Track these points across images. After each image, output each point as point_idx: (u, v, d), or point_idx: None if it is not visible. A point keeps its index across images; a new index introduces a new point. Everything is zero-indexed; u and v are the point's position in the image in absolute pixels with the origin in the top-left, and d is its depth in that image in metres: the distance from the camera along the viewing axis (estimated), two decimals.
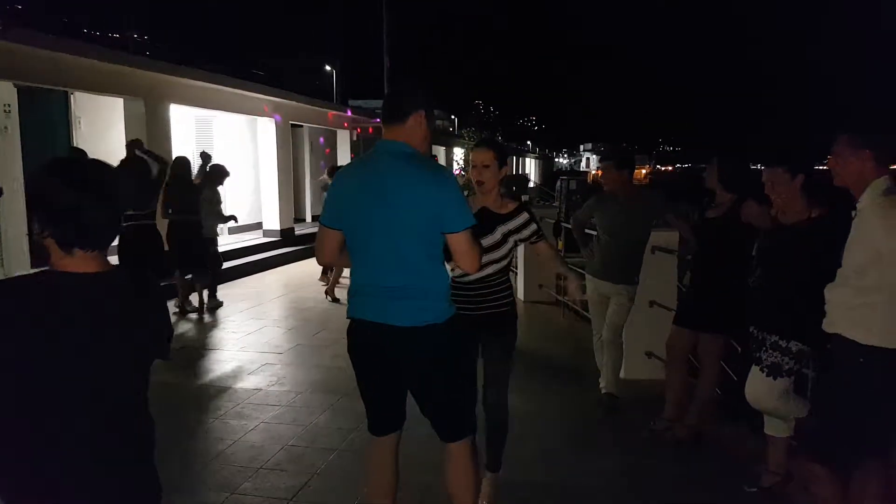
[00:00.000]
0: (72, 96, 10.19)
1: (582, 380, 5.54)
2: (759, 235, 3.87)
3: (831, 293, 3.05)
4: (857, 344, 2.88)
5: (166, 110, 10.50)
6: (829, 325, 3.05)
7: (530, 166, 64.67)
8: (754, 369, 3.62)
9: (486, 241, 3.27)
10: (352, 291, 2.84)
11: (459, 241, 2.69)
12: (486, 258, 3.15)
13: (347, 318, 2.85)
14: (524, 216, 3.45)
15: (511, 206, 3.48)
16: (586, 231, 5.34)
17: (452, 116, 32.08)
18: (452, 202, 2.67)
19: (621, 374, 5.18)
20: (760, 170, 3.73)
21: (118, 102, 10.11)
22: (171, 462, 4.14)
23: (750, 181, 4.35)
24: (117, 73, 9.52)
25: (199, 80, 11.34)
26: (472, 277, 3.28)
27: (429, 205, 2.64)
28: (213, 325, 7.99)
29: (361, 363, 2.87)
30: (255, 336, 7.30)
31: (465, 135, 23.52)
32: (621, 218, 4.87)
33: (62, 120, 10.25)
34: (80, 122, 10.39)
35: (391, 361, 2.79)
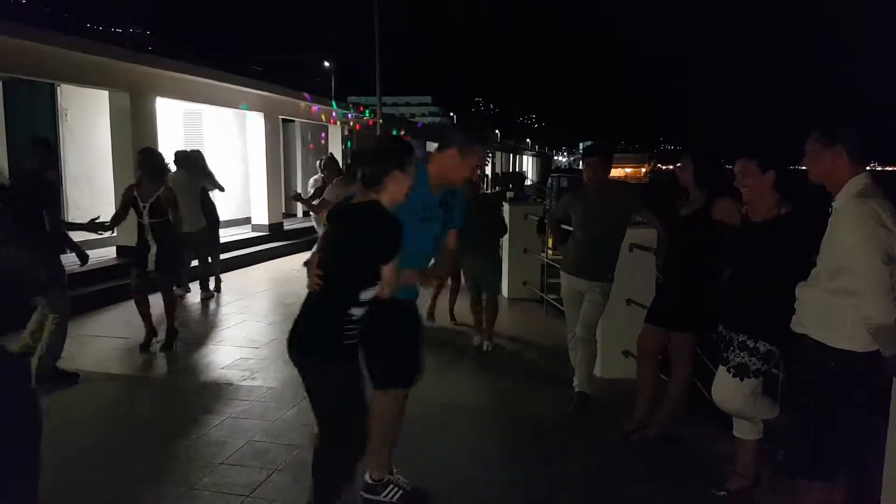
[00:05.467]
0: (58, 88, 10.11)
1: (556, 378, 5.44)
2: (729, 233, 3.80)
3: (802, 292, 2.99)
4: (825, 346, 2.83)
5: (152, 103, 10.39)
6: (797, 325, 3.00)
7: (528, 164, 64.60)
8: (721, 370, 3.54)
9: None
10: None
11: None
12: None
13: None
14: None
15: None
16: (563, 227, 5.25)
17: (451, 114, 31.93)
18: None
19: (599, 374, 5.12)
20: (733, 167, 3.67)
21: (105, 95, 10.02)
22: (133, 456, 4.10)
23: (723, 178, 4.25)
24: (101, 64, 9.43)
25: (185, 72, 11.23)
26: None
27: None
28: (193, 318, 7.93)
29: None
30: (234, 330, 7.23)
31: None
32: (595, 214, 4.77)
33: (48, 112, 10.18)
34: (66, 115, 10.30)
35: None
